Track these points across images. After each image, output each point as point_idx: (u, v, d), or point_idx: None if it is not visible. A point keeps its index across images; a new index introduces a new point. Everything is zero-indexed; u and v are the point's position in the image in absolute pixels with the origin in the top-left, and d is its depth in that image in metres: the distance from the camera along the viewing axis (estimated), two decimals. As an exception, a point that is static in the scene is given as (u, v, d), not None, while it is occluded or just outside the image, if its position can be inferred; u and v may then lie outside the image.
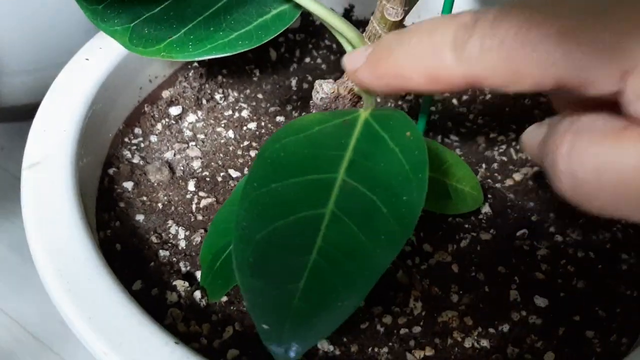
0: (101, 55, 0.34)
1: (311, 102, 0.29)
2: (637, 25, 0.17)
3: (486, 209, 0.33)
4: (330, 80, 0.28)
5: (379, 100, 0.39)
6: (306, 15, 0.44)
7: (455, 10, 0.29)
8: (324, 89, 0.28)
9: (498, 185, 0.34)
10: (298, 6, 0.26)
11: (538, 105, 0.39)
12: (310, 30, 0.44)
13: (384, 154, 0.23)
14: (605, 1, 0.18)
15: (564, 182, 0.19)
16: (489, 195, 0.33)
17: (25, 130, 0.29)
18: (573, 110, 0.21)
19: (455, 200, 0.30)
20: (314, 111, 0.29)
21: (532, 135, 0.24)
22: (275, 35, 0.26)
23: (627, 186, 0.18)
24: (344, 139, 0.24)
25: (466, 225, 0.32)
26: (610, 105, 0.19)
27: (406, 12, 0.25)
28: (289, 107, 0.38)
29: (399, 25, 0.25)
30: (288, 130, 0.24)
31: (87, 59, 0.33)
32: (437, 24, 0.21)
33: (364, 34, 0.26)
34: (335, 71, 0.41)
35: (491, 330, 0.28)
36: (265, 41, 0.26)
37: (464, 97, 0.39)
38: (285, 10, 0.26)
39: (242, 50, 0.25)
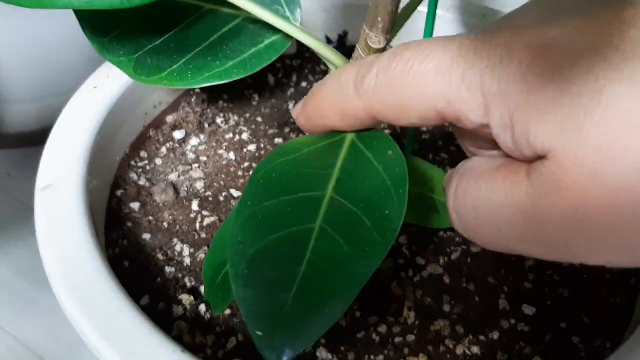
0: (109, 83, 0.36)
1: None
2: (494, 65, 0.18)
3: (475, 222, 0.34)
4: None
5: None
6: (302, 43, 0.46)
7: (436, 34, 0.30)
8: (315, 112, 0.30)
9: (487, 199, 0.35)
10: (289, 36, 0.28)
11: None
12: (307, 56, 0.46)
13: (368, 171, 0.25)
14: (484, 38, 0.19)
15: (453, 218, 0.21)
16: (479, 209, 0.35)
17: (31, 156, 0.31)
18: (476, 148, 0.23)
19: (444, 214, 0.32)
20: (307, 134, 0.31)
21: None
22: (269, 63, 0.28)
23: (500, 221, 0.19)
24: (331, 159, 0.25)
25: (457, 239, 0.33)
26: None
27: (388, 40, 0.27)
28: (286, 130, 0.40)
29: (383, 52, 0.27)
30: (280, 153, 0.26)
31: (95, 87, 0.35)
32: (348, 65, 0.23)
33: (350, 60, 0.28)
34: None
35: (482, 337, 0.29)
36: (259, 69, 0.28)
37: (455, 116, 0.41)
38: (277, 40, 0.28)
39: (238, 78, 0.27)
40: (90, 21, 0.28)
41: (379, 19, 0.26)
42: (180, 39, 0.28)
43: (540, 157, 0.18)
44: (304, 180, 0.25)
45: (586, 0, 0.19)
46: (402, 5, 0.28)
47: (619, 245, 0.18)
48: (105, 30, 0.28)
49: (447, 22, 0.44)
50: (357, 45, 0.28)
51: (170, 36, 0.28)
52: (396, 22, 0.28)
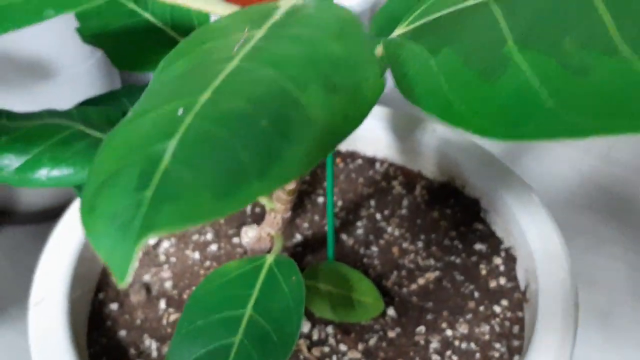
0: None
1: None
2: None
3: (392, 311, 0.41)
4: (254, 225, 0.38)
5: (306, 226, 0.48)
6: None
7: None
8: (248, 234, 0.37)
9: (404, 289, 0.42)
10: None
11: (444, 217, 0.47)
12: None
13: (278, 293, 0.32)
14: None
15: None
16: (397, 299, 0.42)
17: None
18: None
19: (359, 310, 0.39)
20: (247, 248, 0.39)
21: None
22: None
23: None
24: (252, 280, 0.33)
25: (375, 326, 0.40)
26: None
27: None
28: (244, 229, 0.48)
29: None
30: (214, 276, 0.33)
31: (80, 210, 0.43)
32: None
33: (271, 197, 0.36)
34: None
35: (387, 413, 0.36)
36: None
37: (385, 212, 0.48)
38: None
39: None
40: None
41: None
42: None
43: None
44: (230, 300, 0.32)
45: None
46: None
47: None
48: None
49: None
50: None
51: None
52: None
